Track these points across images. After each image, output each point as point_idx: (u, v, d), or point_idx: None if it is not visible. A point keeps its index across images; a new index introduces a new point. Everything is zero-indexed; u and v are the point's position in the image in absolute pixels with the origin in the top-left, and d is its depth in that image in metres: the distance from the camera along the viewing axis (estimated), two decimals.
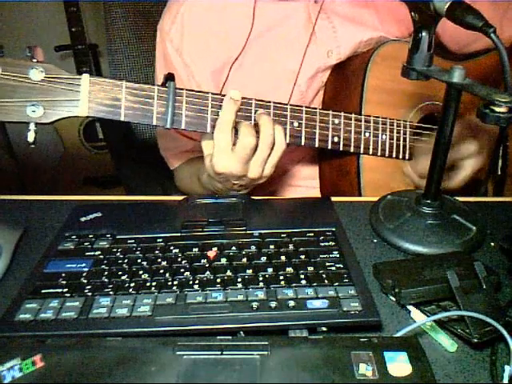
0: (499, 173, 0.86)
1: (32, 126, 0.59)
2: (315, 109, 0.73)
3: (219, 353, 0.41)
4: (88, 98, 0.60)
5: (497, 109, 0.50)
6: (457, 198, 0.70)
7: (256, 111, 0.68)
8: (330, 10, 0.83)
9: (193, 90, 0.65)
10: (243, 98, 0.68)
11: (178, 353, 0.41)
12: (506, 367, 0.43)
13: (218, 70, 0.82)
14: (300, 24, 0.82)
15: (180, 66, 0.82)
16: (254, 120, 0.68)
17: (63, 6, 1.75)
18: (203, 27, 0.81)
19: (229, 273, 0.53)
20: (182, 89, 0.65)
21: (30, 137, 0.59)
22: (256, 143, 0.65)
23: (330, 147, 0.75)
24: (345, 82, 0.84)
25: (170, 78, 0.64)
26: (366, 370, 0.39)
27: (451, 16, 0.55)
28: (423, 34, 0.59)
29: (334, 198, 0.70)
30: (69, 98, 0.60)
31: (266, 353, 0.41)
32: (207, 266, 0.55)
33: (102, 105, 0.61)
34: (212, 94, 0.66)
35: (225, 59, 0.81)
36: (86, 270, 0.54)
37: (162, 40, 0.82)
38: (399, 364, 0.40)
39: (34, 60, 0.58)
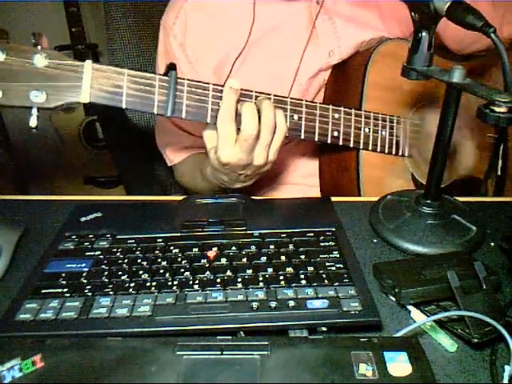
0: (499, 173, 0.86)
1: (34, 111, 0.59)
2: (315, 103, 0.73)
3: (219, 353, 0.41)
4: (90, 84, 0.60)
5: (497, 109, 0.50)
6: (457, 197, 0.70)
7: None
8: (332, 10, 0.84)
9: (194, 80, 0.65)
10: (243, 90, 0.68)
11: (178, 353, 0.41)
12: (506, 367, 0.43)
13: (220, 66, 0.82)
14: (302, 25, 0.83)
15: (183, 62, 0.82)
16: (254, 103, 0.67)
17: (63, 6, 1.75)
18: (206, 24, 0.81)
19: (229, 273, 0.53)
20: (183, 78, 0.65)
21: (32, 122, 0.59)
22: (257, 133, 0.64)
23: (329, 141, 0.75)
24: (345, 79, 0.84)
25: (171, 67, 0.64)
26: (366, 370, 0.39)
27: (451, 16, 0.55)
28: (423, 33, 0.59)
29: (334, 198, 0.70)
30: (71, 83, 0.60)
31: (266, 353, 0.41)
32: (207, 265, 0.55)
33: (103, 91, 0.61)
34: (213, 84, 0.66)
35: (226, 57, 0.82)
36: (85, 270, 0.54)
37: (166, 35, 0.83)
38: (399, 364, 0.40)
39: (39, 47, 0.58)
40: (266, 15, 0.81)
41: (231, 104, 0.64)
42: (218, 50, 0.82)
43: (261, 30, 0.81)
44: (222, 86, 0.66)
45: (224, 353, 0.41)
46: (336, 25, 0.84)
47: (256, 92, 0.69)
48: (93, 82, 0.60)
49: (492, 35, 0.52)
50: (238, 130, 0.65)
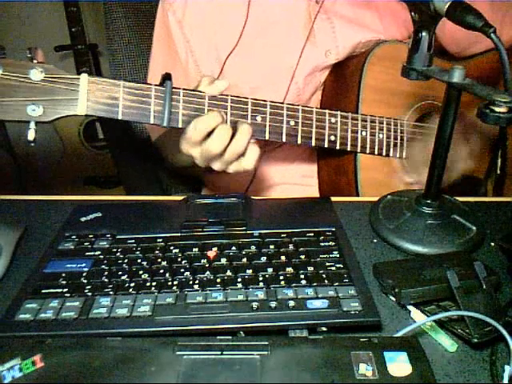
0: (498, 172, 0.86)
1: (32, 125, 0.60)
2: (311, 108, 0.74)
3: (219, 353, 0.41)
4: (86, 97, 0.61)
5: (497, 109, 0.50)
6: (457, 197, 0.70)
7: (253, 110, 0.68)
8: (331, 10, 0.84)
9: (190, 89, 0.66)
10: (239, 97, 0.68)
11: (178, 353, 0.41)
12: (506, 367, 0.43)
13: (216, 53, 0.82)
14: (300, 22, 0.83)
15: (180, 40, 0.82)
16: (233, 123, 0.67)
17: (63, 6, 1.75)
18: (206, 8, 0.81)
19: (229, 273, 0.53)
20: (178, 88, 0.65)
21: (30, 135, 0.60)
22: (219, 153, 0.64)
23: (326, 146, 0.75)
24: (342, 82, 0.84)
25: (167, 77, 0.64)
26: (365, 369, 0.39)
27: (451, 16, 0.55)
28: (423, 34, 0.59)
29: (333, 198, 0.70)
30: (68, 97, 0.60)
31: (266, 353, 0.41)
32: (207, 266, 0.55)
33: (100, 104, 0.62)
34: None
35: (222, 45, 0.82)
36: (85, 270, 0.54)
37: (164, 10, 0.83)
38: (399, 364, 0.40)
39: (35, 61, 0.59)
40: (261, 9, 0.81)
41: (210, 124, 0.64)
42: (215, 37, 0.81)
43: (256, 23, 0.81)
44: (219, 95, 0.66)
45: (224, 353, 0.41)
46: (334, 25, 0.83)
47: (252, 99, 0.69)
48: (89, 95, 0.61)
49: (492, 35, 0.52)
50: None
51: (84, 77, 0.61)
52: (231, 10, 0.81)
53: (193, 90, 0.66)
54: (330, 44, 0.84)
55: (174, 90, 0.64)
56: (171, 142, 0.81)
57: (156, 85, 0.64)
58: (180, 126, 0.65)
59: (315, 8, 0.82)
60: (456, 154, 0.78)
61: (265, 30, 0.82)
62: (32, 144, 0.60)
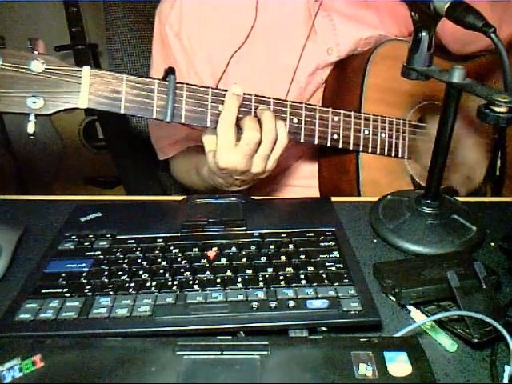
0: (498, 173, 0.86)
1: (32, 118, 0.59)
2: (315, 106, 0.74)
3: (219, 353, 0.41)
4: (88, 89, 0.60)
5: (497, 109, 0.50)
6: (457, 198, 0.70)
7: (256, 107, 0.69)
8: (331, 8, 0.84)
9: (193, 85, 0.65)
10: (243, 93, 0.68)
11: (178, 353, 0.41)
12: (506, 367, 0.43)
13: (217, 58, 0.82)
14: (300, 21, 0.83)
15: (178, 52, 0.82)
16: (255, 115, 0.68)
17: (63, 6, 1.75)
18: (203, 13, 0.81)
19: (229, 273, 0.53)
20: (182, 83, 0.65)
21: (30, 128, 0.59)
22: (260, 138, 0.65)
23: (329, 144, 0.75)
24: (345, 80, 0.84)
25: (170, 71, 0.64)
26: (366, 369, 0.39)
27: (451, 16, 0.55)
28: (423, 33, 0.59)
29: (333, 198, 0.70)
30: (69, 89, 0.59)
31: (265, 353, 0.41)
32: (207, 265, 0.55)
33: (102, 97, 0.61)
34: (212, 88, 0.66)
35: (224, 49, 0.82)
36: (85, 270, 0.54)
37: (161, 24, 0.82)
38: (399, 364, 0.40)
39: (36, 52, 0.58)
40: (266, 11, 0.81)
41: (233, 110, 0.64)
42: (216, 41, 0.81)
43: (261, 25, 0.81)
44: (221, 90, 0.66)
45: (224, 353, 0.41)
46: (334, 22, 0.84)
47: (255, 96, 0.69)
48: (91, 88, 0.60)
49: (492, 35, 0.52)
50: (239, 134, 0.65)
51: (86, 69, 0.60)
52: (238, 16, 0.81)
53: (196, 85, 0.66)
54: (331, 41, 0.84)
55: (177, 84, 0.64)
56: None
57: (159, 79, 0.64)
58: (183, 121, 0.65)
59: (315, 5, 0.82)
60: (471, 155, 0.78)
61: (267, 30, 0.82)
62: (31, 137, 0.59)
